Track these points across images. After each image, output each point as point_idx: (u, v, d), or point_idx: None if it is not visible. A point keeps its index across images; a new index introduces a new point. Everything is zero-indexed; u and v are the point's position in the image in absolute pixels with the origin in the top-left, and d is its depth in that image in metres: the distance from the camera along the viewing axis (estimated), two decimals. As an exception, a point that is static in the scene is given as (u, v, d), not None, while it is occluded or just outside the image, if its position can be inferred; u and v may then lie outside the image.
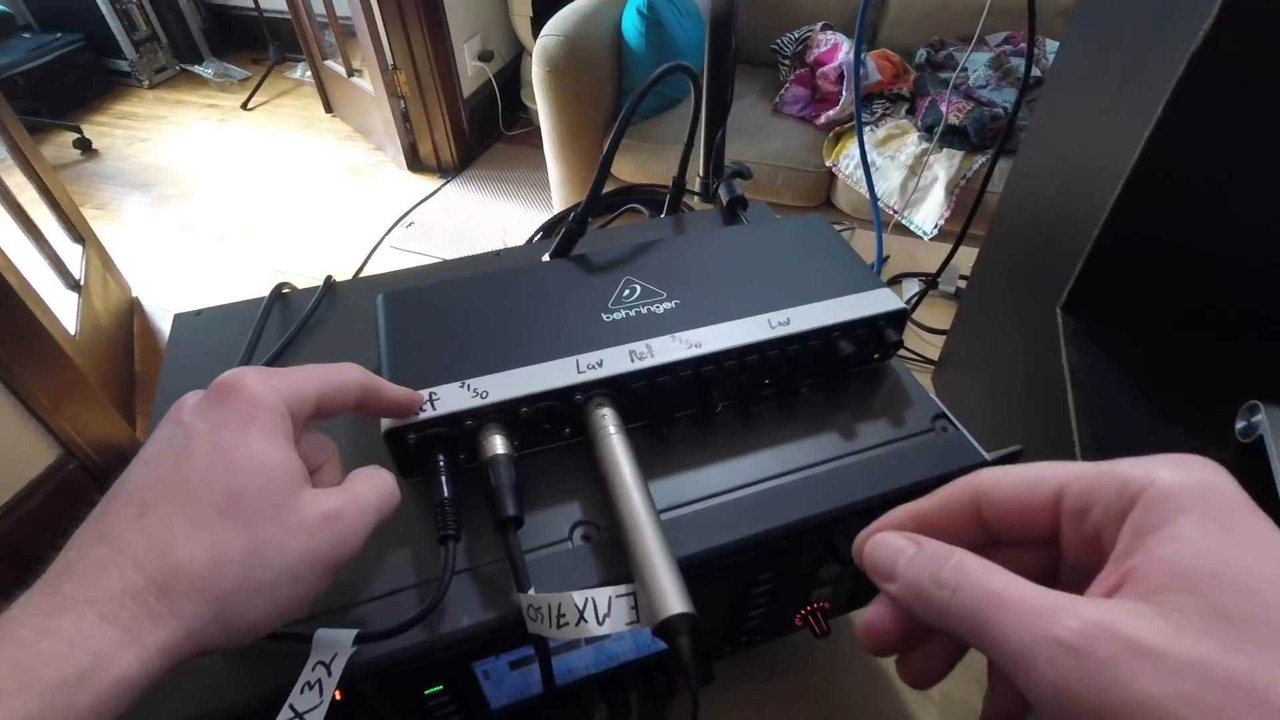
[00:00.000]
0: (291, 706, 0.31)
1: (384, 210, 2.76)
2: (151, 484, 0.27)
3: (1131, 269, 0.45)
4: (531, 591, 0.34)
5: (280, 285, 0.55)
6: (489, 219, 2.71)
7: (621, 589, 0.34)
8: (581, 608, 0.33)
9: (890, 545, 0.25)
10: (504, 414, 0.40)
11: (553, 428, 0.42)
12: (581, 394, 0.41)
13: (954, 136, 1.89)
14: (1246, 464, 0.39)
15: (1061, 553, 0.24)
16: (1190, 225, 0.43)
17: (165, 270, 2.47)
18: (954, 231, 1.83)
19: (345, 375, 0.34)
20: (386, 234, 2.62)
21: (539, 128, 2.20)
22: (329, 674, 0.32)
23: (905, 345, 0.87)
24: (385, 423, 0.38)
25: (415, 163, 3.00)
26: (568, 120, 2.12)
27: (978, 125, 1.85)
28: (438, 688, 0.38)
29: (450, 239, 2.61)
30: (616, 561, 0.37)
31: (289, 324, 0.52)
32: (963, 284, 0.93)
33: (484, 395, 0.39)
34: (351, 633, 0.33)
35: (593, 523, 0.40)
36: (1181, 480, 0.21)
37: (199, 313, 0.53)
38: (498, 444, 0.39)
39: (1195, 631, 0.18)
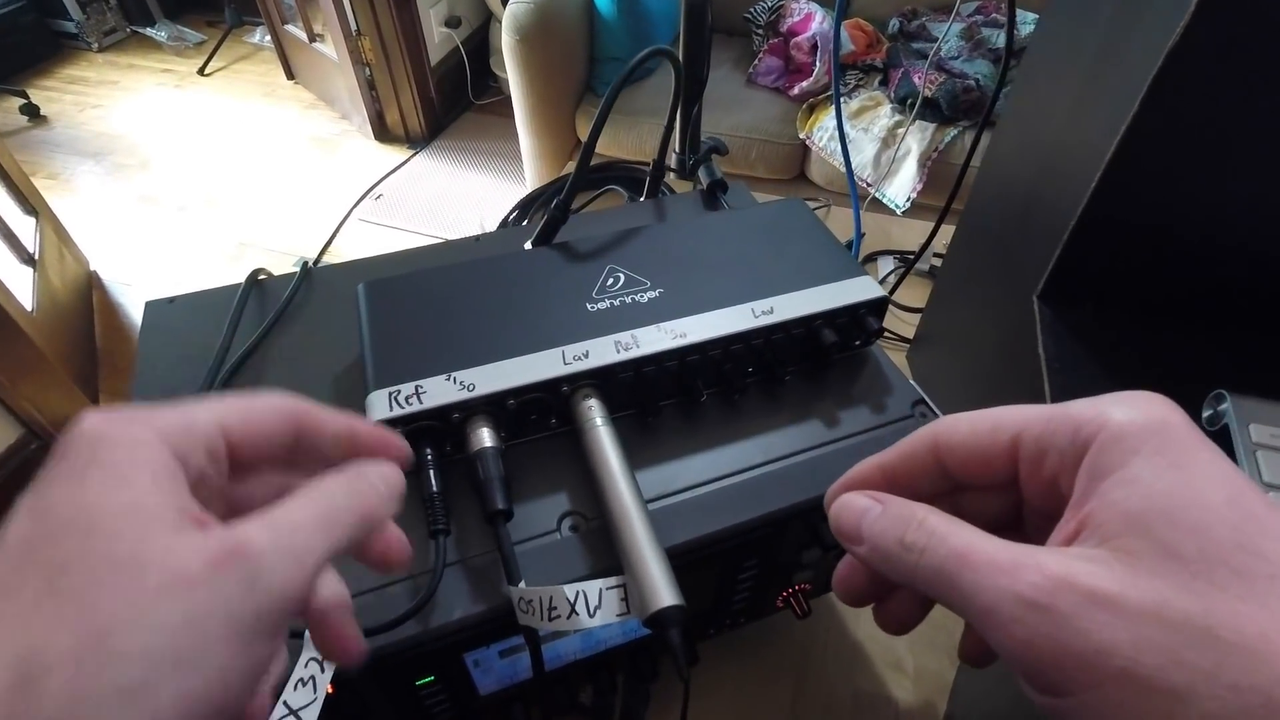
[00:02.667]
0: (286, 703, 0.31)
1: (351, 182, 2.69)
2: None
3: (1107, 257, 0.46)
4: (522, 584, 0.35)
5: (256, 271, 0.53)
6: (459, 191, 2.67)
7: (611, 581, 0.34)
8: (573, 600, 0.33)
9: (854, 507, 0.24)
10: (491, 406, 0.40)
11: (539, 418, 0.42)
12: (568, 385, 0.41)
13: (925, 108, 1.89)
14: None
15: (1023, 496, 0.24)
16: (1168, 214, 0.44)
17: (124, 243, 2.40)
18: (925, 204, 1.86)
19: (261, 399, 0.25)
20: (354, 207, 2.57)
21: (509, 97, 2.15)
22: (322, 670, 0.32)
23: (880, 324, 0.88)
24: (375, 416, 0.38)
25: (382, 132, 2.93)
26: (539, 90, 2.08)
27: (949, 97, 1.85)
28: (429, 678, 0.38)
29: (420, 212, 2.57)
30: (605, 551, 0.38)
31: (266, 312, 0.51)
32: (937, 261, 0.94)
33: (471, 388, 0.39)
34: (344, 629, 0.33)
35: (580, 513, 0.40)
36: (1132, 420, 0.20)
37: (172, 300, 0.52)
38: (485, 437, 0.39)
39: (1150, 575, 0.18)
